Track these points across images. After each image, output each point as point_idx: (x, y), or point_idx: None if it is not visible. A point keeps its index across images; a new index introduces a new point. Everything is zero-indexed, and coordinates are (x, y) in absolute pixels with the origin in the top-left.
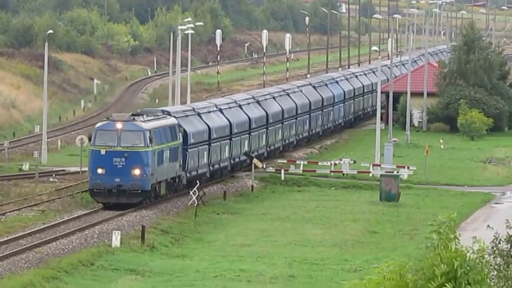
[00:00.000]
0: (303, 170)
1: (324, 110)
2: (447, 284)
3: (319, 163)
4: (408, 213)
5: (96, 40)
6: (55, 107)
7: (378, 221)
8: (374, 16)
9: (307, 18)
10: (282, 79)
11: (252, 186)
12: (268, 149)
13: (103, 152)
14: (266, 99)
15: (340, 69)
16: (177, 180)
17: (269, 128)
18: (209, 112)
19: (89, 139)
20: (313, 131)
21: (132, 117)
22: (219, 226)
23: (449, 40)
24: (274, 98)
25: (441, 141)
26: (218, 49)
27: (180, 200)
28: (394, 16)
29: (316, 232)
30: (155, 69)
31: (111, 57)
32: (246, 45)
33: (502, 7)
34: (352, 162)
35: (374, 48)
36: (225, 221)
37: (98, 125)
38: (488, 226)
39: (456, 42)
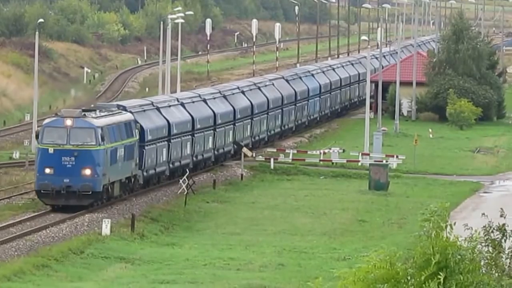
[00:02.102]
0: (293, 159)
1: (297, 105)
2: (440, 273)
3: (309, 152)
4: (397, 202)
5: (87, 29)
6: (45, 96)
7: (367, 210)
8: (363, 5)
9: (296, 8)
10: (271, 68)
11: (242, 175)
12: (235, 146)
13: (51, 150)
14: (233, 94)
15: (329, 58)
16: (132, 180)
17: (237, 124)
18: (170, 106)
19: (37, 137)
20: (286, 127)
21: (82, 113)
22: (209, 215)
23: (438, 30)
24: (243, 92)
25: (430, 130)
26: (208, 38)
27: (169, 189)
28: (384, 5)
29: (305, 220)
30: (145, 58)
31: (102, 46)
32: (236, 34)
33: None
34: (342, 151)
35: (364, 37)
36: (215, 210)
37: (46, 121)
38: (483, 214)
39: (445, 31)
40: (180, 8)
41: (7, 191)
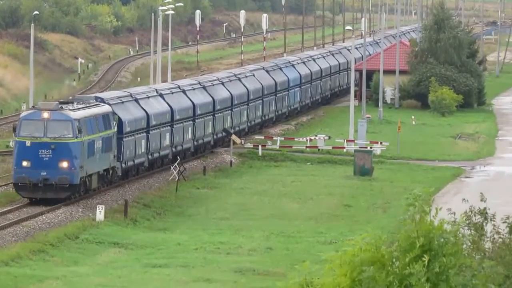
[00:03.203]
0: (280, 146)
1: (278, 95)
2: (424, 256)
3: (295, 139)
4: (381, 187)
5: (80, 20)
6: (41, 86)
7: (352, 195)
8: None
9: None
10: (259, 57)
11: (231, 162)
12: (215, 136)
13: (28, 143)
14: (213, 85)
15: (315, 48)
16: (111, 172)
17: (216, 115)
18: (148, 97)
19: (14, 130)
20: (266, 117)
21: (59, 106)
22: (199, 201)
23: (420, 20)
24: (222, 83)
25: (413, 117)
26: (198, 29)
27: (161, 175)
28: None
29: (292, 206)
30: (137, 48)
31: (95, 37)
32: (225, 25)
33: None
34: (327, 138)
35: (348, 27)
36: (205, 196)
37: (23, 114)
38: (464, 199)
39: (426, 21)
40: (170, 0)
41: (4, 179)
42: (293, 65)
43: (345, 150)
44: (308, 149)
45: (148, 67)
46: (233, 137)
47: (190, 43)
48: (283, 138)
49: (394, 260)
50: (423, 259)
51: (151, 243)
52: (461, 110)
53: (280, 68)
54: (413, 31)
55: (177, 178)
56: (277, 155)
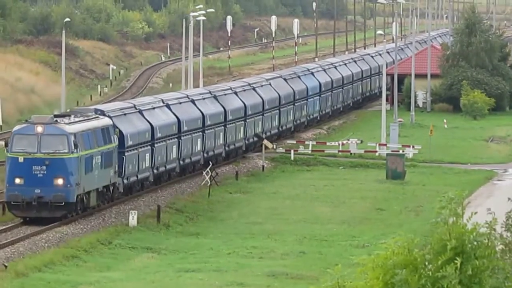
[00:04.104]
0: (312, 150)
1: (296, 104)
2: (456, 258)
3: (328, 143)
4: (414, 191)
5: (112, 27)
6: (73, 92)
7: (385, 198)
8: (378, 1)
9: (314, 4)
10: (291, 62)
11: (263, 166)
12: (227, 148)
13: (21, 159)
14: (225, 94)
15: (346, 52)
16: (111, 188)
17: (228, 126)
18: (154, 108)
19: (6, 145)
20: (284, 127)
21: (54, 119)
22: (232, 205)
23: (451, 24)
24: (236, 93)
25: (445, 121)
26: (229, 34)
27: (193, 181)
28: (398, 1)
29: (325, 209)
30: (169, 54)
31: (126, 43)
32: (256, 30)
33: None
34: (359, 142)
35: (379, 32)
36: (237, 200)
37: (15, 128)
38: (509, 198)
39: (458, 25)
40: (201, 6)
41: None
42: (312, 73)
43: (377, 154)
44: (340, 153)
45: (180, 73)
46: (265, 142)
47: (221, 49)
48: (315, 143)
49: (426, 263)
50: (456, 261)
51: (184, 248)
52: (493, 113)
53: (299, 76)
54: (445, 35)
55: (209, 183)
56: (309, 160)
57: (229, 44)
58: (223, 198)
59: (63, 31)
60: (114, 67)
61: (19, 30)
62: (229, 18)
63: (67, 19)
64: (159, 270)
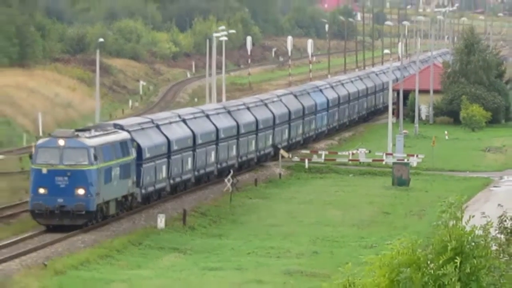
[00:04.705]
0: (325, 159)
1: (305, 119)
2: (456, 258)
3: (339, 153)
4: (417, 196)
5: (142, 47)
6: (106, 106)
7: (391, 203)
8: (385, 23)
9: (327, 26)
10: (305, 79)
11: (280, 174)
12: (240, 160)
13: (44, 171)
14: (238, 109)
15: (357, 70)
16: (129, 198)
17: (241, 139)
18: (170, 123)
19: (30, 157)
20: (293, 140)
21: (75, 133)
22: (251, 209)
23: (452, 44)
24: (248, 108)
25: (446, 132)
26: (249, 53)
27: (216, 187)
28: (403, 23)
29: (336, 213)
30: (194, 71)
31: (155, 61)
32: (274, 50)
33: (499, 14)
34: (368, 151)
35: (386, 51)
36: (256, 205)
37: (39, 142)
38: (499, 204)
39: (458, 45)
40: (224, 27)
41: None
42: (321, 90)
43: (384, 162)
44: (350, 162)
45: (204, 88)
46: (282, 151)
47: (242, 66)
48: (327, 152)
49: (428, 262)
50: (455, 261)
51: (208, 248)
52: (490, 125)
53: (308, 93)
54: (445, 54)
55: (231, 190)
56: (322, 168)
57: (249, 62)
58: (243, 203)
59: (97, 50)
60: (144, 83)
61: (57, 50)
62: (249, 38)
63: (101, 39)
64: (184, 268)
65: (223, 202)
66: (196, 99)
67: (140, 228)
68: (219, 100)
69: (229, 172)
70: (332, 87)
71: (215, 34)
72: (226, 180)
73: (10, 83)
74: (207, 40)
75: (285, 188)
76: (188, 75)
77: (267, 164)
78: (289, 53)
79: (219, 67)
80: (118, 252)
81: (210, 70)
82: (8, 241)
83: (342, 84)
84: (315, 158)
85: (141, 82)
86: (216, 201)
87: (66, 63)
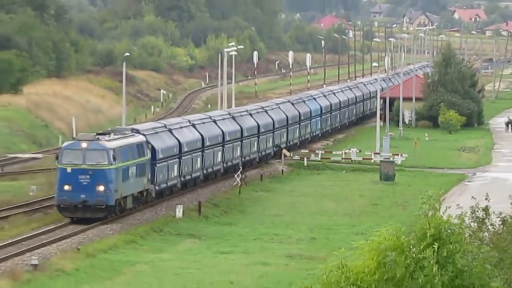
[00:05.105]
0: (321, 158)
1: (301, 124)
2: (435, 243)
3: (333, 152)
4: (402, 190)
5: (162, 60)
6: (131, 112)
7: (379, 196)
8: (374, 39)
9: (323, 42)
10: (304, 88)
11: (282, 170)
12: (243, 159)
13: (69, 170)
14: (242, 115)
15: (349, 80)
16: (145, 193)
17: (244, 141)
18: (181, 127)
19: (56, 158)
20: (291, 142)
21: (96, 137)
22: (257, 201)
23: (431, 58)
24: (250, 114)
25: (426, 134)
26: (255, 66)
27: (227, 182)
28: (390, 39)
29: (331, 204)
30: (207, 81)
31: (174, 72)
32: (277, 63)
33: (472, 32)
34: (358, 151)
35: (375, 64)
36: (262, 197)
37: (64, 144)
38: (472, 197)
39: (436, 59)
40: (233, 43)
41: None
42: (315, 98)
43: (372, 160)
44: (343, 160)
45: (216, 96)
46: (284, 151)
47: (249, 77)
48: (323, 152)
49: (411, 247)
50: (434, 246)
51: (219, 234)
52: (465, 128)
53: (304, 101)
54: (426, 66)
55: (240, 184)
56: (319, 165)
57: (255, 73)
58: (250, 195)
59: (124, 63)
60: (164, 92)
61: (88, 63)
62: (255, 53)
63: (127, 54)
64: (199, 252)
65: (232, 195)
66: (209, 105)
67: (161, 217)
68: (229, 106)
69: (239, 168)
70: (325, 96)
71: (226, 49)
72: (235, 175)
73: (48, 92)
74: (219, 54)
75: (286, 182)
76: (203, 85)
77: (271, 162)
78: (290, 66)
79: (229, 77)
80: (141, 238)
81: (221, 80)
82: (46, 229)
83: (334, 94)
84: (313, 156)
85: (162, 91)
86: (227, 194)
87: (96, 74)
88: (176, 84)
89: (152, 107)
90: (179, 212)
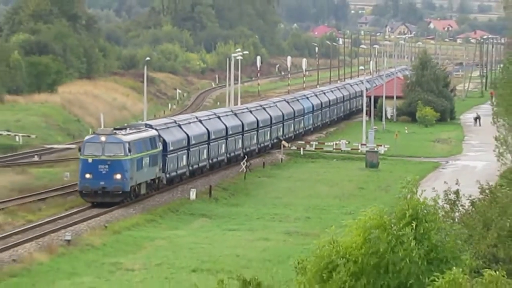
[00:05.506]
0: (315, 148)
1: (295, 120)
2: (413, 222)
3: (326, 143)
4: (384, 176)
5: (178, 64)
6: (151, 108)
7: (365, 181)
8: (360, 46)
9: (316, 48)
10: (300, 88)
11: (282, 159)
12: (244, 150)
13: (90, 160)
14: (243, 112)
15: (338, 81)
16: (157, 181)
17: (245, 135)
18: (190, 123)
19: (79, 150)
20: (286, 136)
21: (114, 131)
22: (260, 185)
23: (410, 62)
24: (250, 111)
25: (406, 128)
26: (258, 69)
27: (234, 169)
28: (374, 46)
29: (324, 188)
30: (217, 82)
31: (188, 74)
32: (277, 66)
33: (445, 40)
34: (347, 142)
35: (361, 67)
36: (264, 182)
37: (86, 138)
38: (445, 182)
39: (414, 63)
40: (239, 49)
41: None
42: (307, 97)
43: (359, 150)
44: (334, 150)
45: (225, 95)
46: (283, 142)
47: (253, 78)
48: (317, 143)
49: (392, 225)
50: (412, 224)
51: (228, 214)
52: (439, 123)
53: (298, 100)
54: (405, 70)
55: (245, 171)
56: (313, 154)
57: (258, 75)
58: (254, 180)
59: (145, 67)
60: (180, 91)
61: (115, 66)
62: (258, 57)
63: (148, 58)
64: (210, 229)
65: (239, 180)
66: (218, 103)
67: (177, 199)
68: (235, 104)
69: (244, 157)
70: (316, 95)
71: (233, 54)
72: (241, 163)
73: (79, 91)
74: (227, 59)
75: (285, 169)
76: (213, 85)
77: (272, 152)
78: (289, 69)
79: (236, 79)
80: (160, 217)
81: (229, 81)
82: (78, 209)
83: (324, 93)
84: (308, 147)
85: (178, 90)
86: (234, 179)
87: (121, 76)
88: (190, 84)
89: (169, 104)
90: (192, 194)
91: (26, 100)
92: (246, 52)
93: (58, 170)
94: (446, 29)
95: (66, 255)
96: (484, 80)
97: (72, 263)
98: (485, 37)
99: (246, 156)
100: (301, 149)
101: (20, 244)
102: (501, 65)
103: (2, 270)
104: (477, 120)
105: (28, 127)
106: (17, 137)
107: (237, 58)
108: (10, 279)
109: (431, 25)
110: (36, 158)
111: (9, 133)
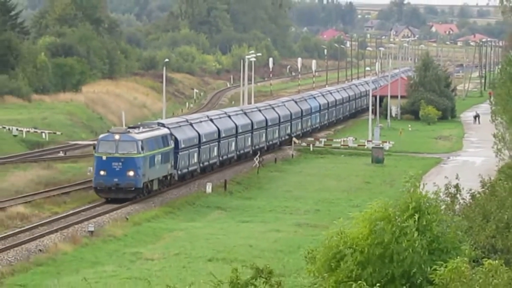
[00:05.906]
0: (324, 144)
1: (303, 118)
2: (415, 214)
3: (334, 140)
4: (389, 171)
5: (195, 65)
6: (170, 107)
7: (370, 175)
8: (367, 48)
9: (325, 50)
10: (310, 88)
11: (292, 155)
12: (253, 148)
13: (104, 158)
14: (252, 111)
15: (346, 81)
16: (169, 177)
17: (254, 133)
18: (201, 121)
19: (94, 148)
20: (294, 134)
21: (127, 130)
22: (272, 179)
23: (413, 63)
24: (260, 110)
25: (409, 126)
26: (271, 70)
27: (248, 164)
28: (380, 48)
29: (332, 182)
30: (232, 82)
31: (204, 75)
32: (288, 67)
33: (446, 42)
34: (354, 139)
35: (367, 68)
36: (276, 176)
37: (100, 136)
38: (445, 177)
39: (417, 64)
40: (253, 51)
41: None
42: (314, 97)
43: (366, 147)
44: (342, 146)
45: (239, 94)
46: (294, 139)
47: (265, 79)
48: (326, 139)
49: (396, 217)
50: (415, 216)
51: (241, 207)
52: (440, 120)
53: (305, 99)
54: (409, 70)
55: (258, 166)
56: (322, 150)
57: (271, 76)
58: (266, 175)
59: (164, 68)
60: (197, 91)
61: (135, 67)
62: (270, 59)
63: (167, 60)
64: (225, 221)
65: (252, 174)
66: (233, 102)
67: (194, 193)
68: (249, 103)
69: (258, 153)
70: (323, 95)
71: (247, 56)
72: (254, 159)
73: (102, 90)
74: (241, 60)
75: (296, 164)
76: (228, 85)
77: (283, 148)
78: (299, 70)
79: (249, 79)
80: (178, 210)
81: (243, 82)
82: (100, 202)
83: (331, 93)
84: (317, 143)
85: (195, 90)
86: (247, 173)
87: (142, 76)
88: (206, 84)
89: (187, 103)
90: (208, 188)
91: (52, 99)
92: (259, 54)
93: (82, 165)
94: (447, 32)
95: (89, 246)
96: (483, 81)
97: (95, 253)
98: (484, 40)
99: (259, 152)
100: (311, 145)
101: (46, 235)
102: (499, 67)
103: (29, 259)
104: (477, 118)
105: (54, 124)
106: (43, 134)
107: (251, 59)
108: (37, 268)
109: (433, 29)
110: (61, 154)
111: (36, 130)
